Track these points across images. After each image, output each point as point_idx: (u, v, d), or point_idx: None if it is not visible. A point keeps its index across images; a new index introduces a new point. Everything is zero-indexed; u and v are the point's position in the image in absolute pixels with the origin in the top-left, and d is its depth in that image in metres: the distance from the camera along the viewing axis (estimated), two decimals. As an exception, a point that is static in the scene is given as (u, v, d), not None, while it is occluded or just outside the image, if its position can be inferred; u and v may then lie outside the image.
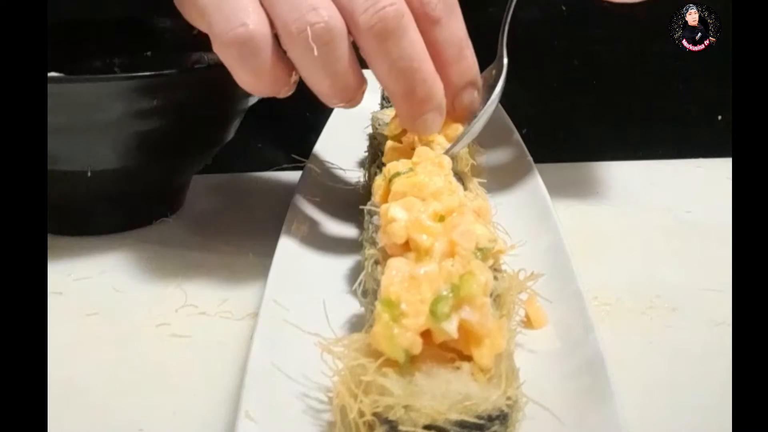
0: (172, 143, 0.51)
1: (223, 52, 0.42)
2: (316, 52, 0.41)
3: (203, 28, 0.43)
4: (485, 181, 0.53)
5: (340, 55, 0.42)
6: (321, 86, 0.43)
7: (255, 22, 0.41)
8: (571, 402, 0.32)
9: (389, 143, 0.48)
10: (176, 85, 0.49)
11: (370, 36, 0.41)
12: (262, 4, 0.41)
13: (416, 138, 0.46)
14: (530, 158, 0.56)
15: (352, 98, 0.44)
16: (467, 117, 0.47)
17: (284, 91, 0.44)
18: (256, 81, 0.42)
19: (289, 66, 0.42)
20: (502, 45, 0.51)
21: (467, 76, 0.46)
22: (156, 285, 0.47)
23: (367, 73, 0.67)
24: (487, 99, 0.48)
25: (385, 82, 0.44)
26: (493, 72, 0.50)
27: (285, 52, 0.42)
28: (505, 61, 0.50)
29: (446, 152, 0.46)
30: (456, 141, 0.47)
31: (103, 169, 0.49)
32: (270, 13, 0.41)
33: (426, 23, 0.43)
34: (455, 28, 0.44)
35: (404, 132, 0.48)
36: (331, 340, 0.33)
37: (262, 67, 0.41)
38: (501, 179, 0.54)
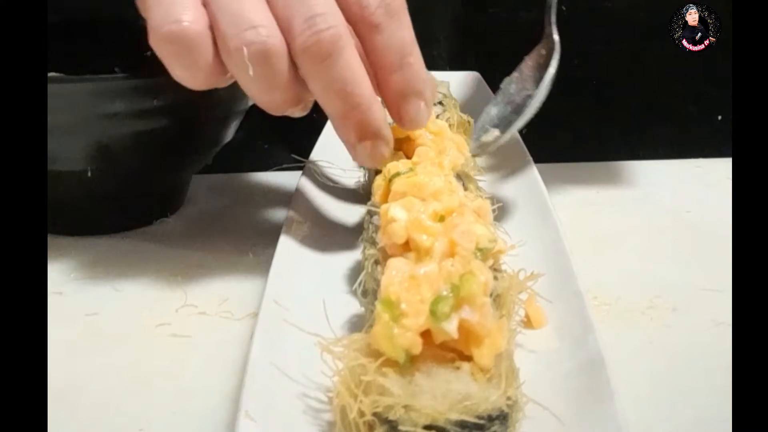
0: (172, 143, 0.51)
1: (156, 46, 0.41)
2: (251, 72, 0.40)
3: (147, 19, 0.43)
4: (485, 180, 0.53)
5: (278, 73, 0.41)
6: (258, 100, 0.43)
7: (191, 20, 0.40)
8: (571, 402, 0.32)
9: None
10: (176, 85, 0.49)
11: (306, 57, 0.41)
12: (205, 5, 0.41)
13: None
14: (530, 158, 0.56)
15: (292, 109, 0.43)
16: (411, 128, 0.45)
17: (222, 85, 0.43)
18: (191, 76, 0.42)
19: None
20: (550, 24, 0.49)
21: (411, 85, 0.43)
22: (156, 285, 0.47)
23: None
24: (539, 79, 0.47)
25: (322, 104, 0.43)
26: (542, 51, 0.49)
27: None
28: (556, 38, 0.48)
29: (493, 144, 0.46)
30: (506, 129, 0.47)
31: (103, 169, 0.49)
32: (210, 18, 0.41)
33: (365, 29, 0.42)
34: (397, 34, 0.42)
35: (404, 139, 0.47)
36: (331, 340, 0.33)
37: (196, 64, 0.41)
38: (501, 179, 0.54)
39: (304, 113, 0.44)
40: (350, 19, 0.42)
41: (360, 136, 0.43)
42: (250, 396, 0.31)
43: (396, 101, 0.44)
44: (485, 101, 0.61)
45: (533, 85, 0.47)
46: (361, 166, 0.44)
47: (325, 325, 0.36)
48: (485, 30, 0.73)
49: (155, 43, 0.41)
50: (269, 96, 0.42)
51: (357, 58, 0.42)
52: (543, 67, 0.48)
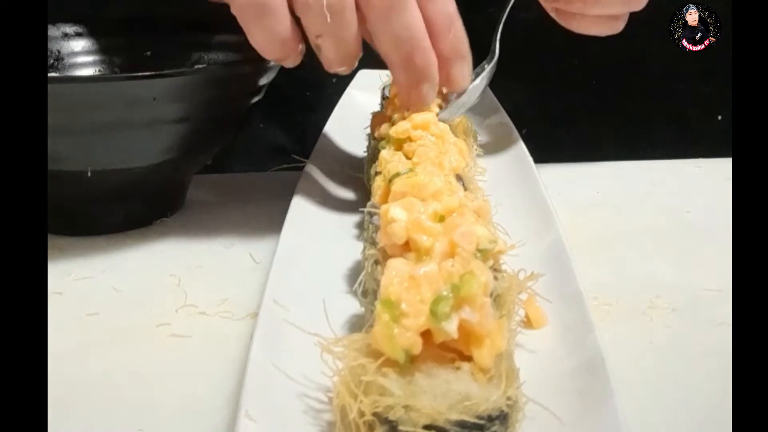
0: (172, 143, 0.51)
1: (238, 12, 0.45)
2: (329, 20, 0.45)
3: None
4: (485, 180, 0.53)
5: (348, 24, 0.46)
6: (329, 52, 0.47)
7: None
8: (571, 402, 0.32)
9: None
10: (176, 85, 0.49)
11: (378, 7, 0.46)
12: None
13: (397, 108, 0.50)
14: (530, 158, 0.56)
15: (351, 65, 0.49)
16: (457, 88, 0.51)
17: (292, 58, 0.47)
18: (268, 41, 0.46)
19: (299, 32, 0.47)
20: (495, 41, 0.57)
21: (457, 48, 0.49)
22: (156, 285, 0.47)
23: (368, 73, 0.67)
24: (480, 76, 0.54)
25: (387, 50, 0.47)
26: (485, 66, 0.56)
27: (297, 20, 0.46)
28: (497, 50, 0.56)
29: (439, 117, 0.50)
30: (449, 107, 0.52)
31: (103, 169, 0.49)
32: None
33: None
34: (445, 4, 0.48)
35: (404, 140, 0.48)
36: (331, 340, 0.33)
37: (275, 28, 0.46)
38: (501, 179, 0.54)
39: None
40: None
41: (420, 79, 0.48)
42: (250, 396, 0.31)
43: (445, 63, 0.49)
44: (485, 101, 0.62)
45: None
46: (409, 111, 0.49)
47: (325, 325, 0.36)
48: (485, 30, 0.73)
49: (237, 9, 0.46)
50: (338, 47, 0.47)
51: (419, 11, 0.47)
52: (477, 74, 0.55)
